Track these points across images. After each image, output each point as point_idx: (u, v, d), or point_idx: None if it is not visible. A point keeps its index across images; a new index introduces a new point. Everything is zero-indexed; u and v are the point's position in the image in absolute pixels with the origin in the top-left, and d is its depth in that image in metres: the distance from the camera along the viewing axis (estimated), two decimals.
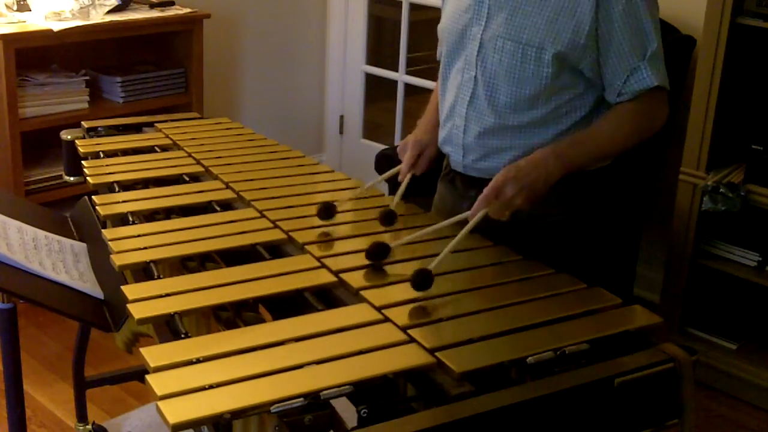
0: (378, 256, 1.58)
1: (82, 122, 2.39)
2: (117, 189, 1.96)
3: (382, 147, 3.86)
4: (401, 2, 4.03)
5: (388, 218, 1.78)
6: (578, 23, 1.66)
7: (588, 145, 1.73)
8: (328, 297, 1.49)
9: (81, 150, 2.18)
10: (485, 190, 1.62)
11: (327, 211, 1.78)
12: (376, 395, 1.24)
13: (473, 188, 1.84)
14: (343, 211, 1.81)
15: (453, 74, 1.85)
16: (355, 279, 1.52)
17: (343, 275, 1.53)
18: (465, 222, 1.62)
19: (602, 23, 1.66)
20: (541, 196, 1.67)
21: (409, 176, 1.88)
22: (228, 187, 1.95)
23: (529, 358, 1.29)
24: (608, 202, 1.91)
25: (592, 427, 1.30)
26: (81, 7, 3.20)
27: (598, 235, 1.90)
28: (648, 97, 1.73)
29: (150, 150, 2.22)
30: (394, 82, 4.16)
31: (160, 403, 1.15)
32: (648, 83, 1.71)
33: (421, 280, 1.47)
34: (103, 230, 1.71)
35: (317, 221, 1.80)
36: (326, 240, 1.70)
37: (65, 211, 2.28)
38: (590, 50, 1.68)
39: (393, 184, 3.07)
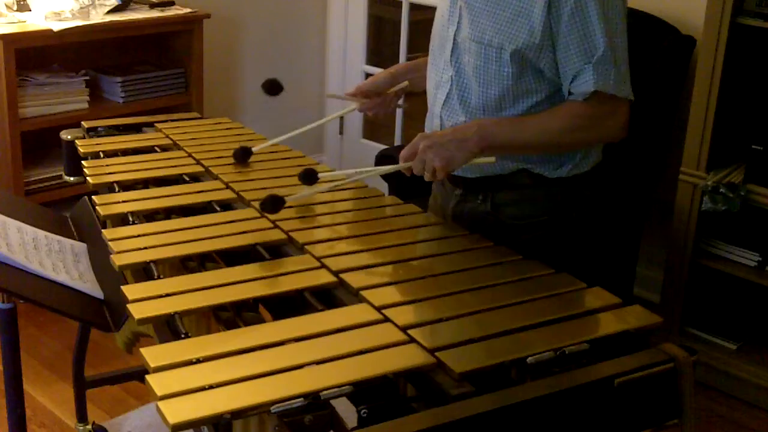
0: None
1: (82, 122, 2.39)
2: (117, 189, 1.96)
3: (382, 147, 3.86)
4: (401, 2, 4.03)
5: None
6: (532, 24, 1.66)
7: (515, 128, 1.71)
8: (328, 297, 1.49)
9: (81, 150, 2.17)
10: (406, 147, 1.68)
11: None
12: (376, 395, 1.23)
13: (457, 187, 1.87)
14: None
15: (433, 74, 1.87)
16: (355, 279, 1.52)
17: (343, 275, 1.53)
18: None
19: (553, 24, 1.66)
20: (458, 162, 1.66)
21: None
22: (228, 187, 1.95)
23: (529, 358, 1.29)
24: (604, 203, 1.91)
25: (592, 427, 1.30)
26: (81, 7, 3.20)
27: (596, 236, 1.90)
28: (598, 102, 1.68)
29: (150, 150, 2.22)
30: None
31: (160, 403, 1.15)
32: (587, 87, 1.66)
33: (272, 203, 1.71)
34: (103, 230, 1.71)
35: (317, 221, 1.80)
36: (326, 240, 1.70)
37: (65, 211, 2.28)
38: (547, 50, 1.68)
39: (392, 183, 3.08)
